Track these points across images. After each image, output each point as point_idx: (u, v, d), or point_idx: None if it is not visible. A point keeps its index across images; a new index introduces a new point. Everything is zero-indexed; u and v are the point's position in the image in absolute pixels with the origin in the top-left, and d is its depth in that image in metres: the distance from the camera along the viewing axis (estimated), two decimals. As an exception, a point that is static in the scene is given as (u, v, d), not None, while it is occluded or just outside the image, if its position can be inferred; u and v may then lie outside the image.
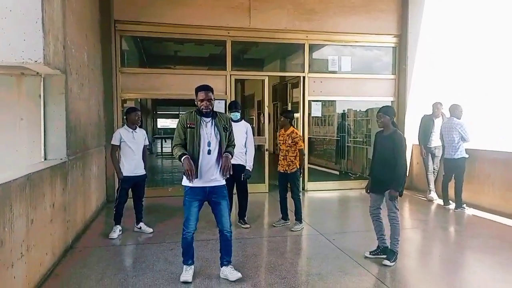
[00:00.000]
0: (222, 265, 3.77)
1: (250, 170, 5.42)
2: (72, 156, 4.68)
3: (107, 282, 3.66)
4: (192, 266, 3.74)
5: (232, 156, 3.69)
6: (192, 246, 3.71)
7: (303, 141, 5.79)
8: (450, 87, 8.27)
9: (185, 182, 3.63)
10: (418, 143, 7.53)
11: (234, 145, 3.83)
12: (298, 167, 5.45)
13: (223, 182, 3.73)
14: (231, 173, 3.66)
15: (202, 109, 3.60)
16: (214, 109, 3.75)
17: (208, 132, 3.62)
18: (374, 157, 4.38)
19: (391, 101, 8.57)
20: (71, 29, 4.70)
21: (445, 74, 8.43)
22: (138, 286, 3.57)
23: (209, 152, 3.59)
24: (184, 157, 3.47)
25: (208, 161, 3.59)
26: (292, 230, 5.40)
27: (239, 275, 3.69)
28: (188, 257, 3.71)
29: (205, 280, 3.73)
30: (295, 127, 5.78)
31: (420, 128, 7.44)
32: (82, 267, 4.02)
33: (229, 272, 3.70)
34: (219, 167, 3.62)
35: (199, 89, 3.65)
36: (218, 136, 3.63)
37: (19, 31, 3.45)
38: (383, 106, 4.31)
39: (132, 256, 4.58)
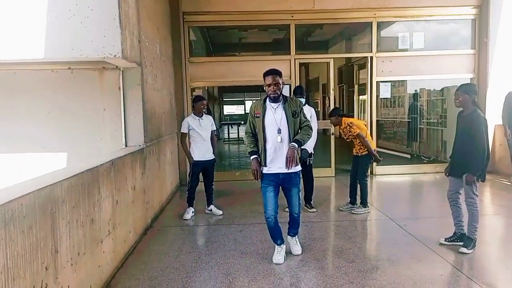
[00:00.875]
0: (288, 234, 3.98)
1: (308, 151, 5.34)
2: (149, 143, 5.05)
3: (183, 259, 3.94)
4: (283, 246, 3.85)
5: (301, 144, 3.60)
6: (278, 227, 3.82)
7: (368, 125, 5.66)
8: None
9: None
10: (501, 123, 6.88)
11: (308, 125, 3.70)
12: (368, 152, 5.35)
13: (297, 169, 3.70)
14: (297, 164, 3.64)
15: (269, 93, 3.60)
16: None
17: (278, 118, 3.60)
18: (456, 139, 4.10)
19: (470, 78, 7.90)
20: (144, 24, 5.01)
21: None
22: (211, 264, 3.79)
23: (281, 140, 3.59)
24: (253, 157, 3.63)
25: (280, 148, 3.61)
26: (352, 213, 5.35)
27: (299, 251, 3.92)
28: (275, 237, 3.85)
29: (271, 261, 3.84)
30: (361, 112, 5.63)
31: (504, 106, 6.79)
32: (161, 245, 4.37)
33: (293, 244, 3.95)
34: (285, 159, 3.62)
35: (266, 73, 3.64)
36: (286, 124, 3.60)
37: (99, 28, 3.77)
38: (462, 84, 4.00)
39: (205, 236, 4.86)
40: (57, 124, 4.80)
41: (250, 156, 3.67)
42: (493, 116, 7.30)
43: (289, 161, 3.54)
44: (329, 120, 5.63)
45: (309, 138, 3.70)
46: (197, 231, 5.08)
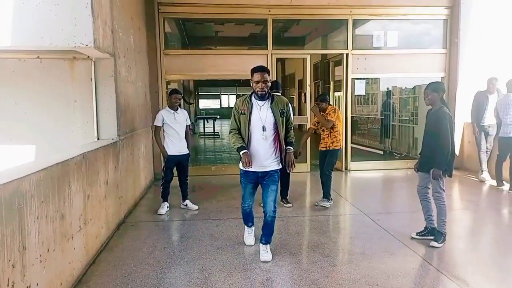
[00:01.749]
0: (260, 241, 3.81)
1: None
2: (122, 136, 4.91)
3: (157, 255, 3.87)
4: (253, 228, 4.11)
5: (293, 147, 3.70)
6: (251, 214, 4.01)
7: (342, 119, 5.71)
8: (506, 61, 7.68)
9: (240, 165, 3.63)
10: (470, 121, 7.13)
11: (292, 128, 3.77)
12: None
13: (276, 167, 3.68)
14: (294, 167, 3.65)
15: (257, 91, 3.52)
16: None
17: (263, 116, 3.55)
18: (424, 135, 4.22)
19: (441, 77, 8.14)
20: (118, 13, 4.85)
21: (500, 48, 7.82)
22: (186, 260, 3.74)
23: (265, 138, 3.55)
24: (243, 151, 3.50)
25: (263, 146, 3.58)
26: (320, 205, 5.45)
27: (268, 258, 3.68)
28: (247, 220, 4.06)
29: (250, 258, 3.83)
30: (337, 106, 5.67)
31: (473, 105, 7.03)
32: (134, 240, 4.27)
33: (263, 250, 3.74)
34: (274, 152, 3.62)
35: (254, 70, 3.55)
36: (274, 121, 3.56)
37: (70, 16, 3.62)
38: (430, 83, 4.10)
39: (180, 231, 4.79)
40: (25, 115, 4.58)
41: (239, 151, 3.52)
42: (463, 115, 7.55)
43: (290, 165, 3.60)
44: (317, 105, 5.49)
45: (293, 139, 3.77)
46: (172, 226, 5.00)
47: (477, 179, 7.07)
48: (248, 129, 3.56)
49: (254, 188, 3.80)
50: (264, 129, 3.54)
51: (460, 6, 7.80)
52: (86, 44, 3.67)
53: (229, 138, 3.69)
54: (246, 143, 3.57)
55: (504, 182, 6.40)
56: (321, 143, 5.51)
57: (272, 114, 3.56)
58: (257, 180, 3.71)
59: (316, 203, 5.63)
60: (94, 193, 3.75)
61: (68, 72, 4.63)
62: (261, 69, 3.53)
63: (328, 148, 5.45)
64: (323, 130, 5.49)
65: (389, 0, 7.82)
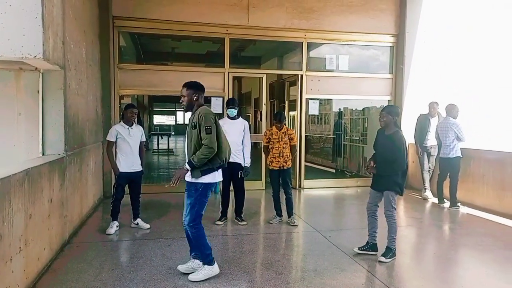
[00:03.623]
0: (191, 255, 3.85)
1: (248, 167, 5.46)
2: (70, 151, 4.69)
3: (104, 277, 3.68)
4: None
5: (193, 165, 3.51)
6: (189, 236, 3.78)
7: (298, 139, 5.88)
8: (446, 87, 8.32)
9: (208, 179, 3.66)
10: (414, 142, 7.59)
11: (206, 145, 3.49)
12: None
13: (192, 180, 3.62)
14: (175, 185, 3.56)
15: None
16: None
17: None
18: (377, 155, 4.40)
19: (388, 100, 8.64)
20: (70, 25, 4.70)
21: (442, 74, 8.48)
22: (136, 281, 3.59)
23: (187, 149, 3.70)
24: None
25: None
26: (294, 224, 5.51)
27: (198, 278, 3.60)
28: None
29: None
30: (291, 127, 5.83)
31: (416, 127, 7.50)
32: (80, 262, 4.04)
33: (194, 266, 3.75)
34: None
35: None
36: (189, 135, 3.63)
37: (18, 26, 3.44)
38: (387, 106, 4.36)
39: (130, 251, 4.60)
40: (-38, 128, 4.25)
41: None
42: (407, 136, 7.98)
43: (173, 178, 3.56)
44: (276, 123, 5.54)
45: (205, 158, 3.49)
46: (122, 246, 4.79)
47: (421, 197, 7.49)
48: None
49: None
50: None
51: (405, 34, 8.40)
52: (35, 55, 3.49)
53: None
54: None
55: (445, 200, 6.83)
56: (273, 162, 5.57)
57: (189, 126, 3.68)
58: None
59: (270, 221, 5.66)
60: (37, 211, 3.52)
61: (13, 84, 4.36)
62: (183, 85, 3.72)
63: (282, 167, 5.54)
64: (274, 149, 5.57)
65: (341, 27, 8.23)
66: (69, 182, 4.69)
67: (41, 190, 3.67)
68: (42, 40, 3.48)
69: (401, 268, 4.19)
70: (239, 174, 5.39)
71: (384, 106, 4.35)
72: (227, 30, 7.76)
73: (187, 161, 3.59)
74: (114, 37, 7.24)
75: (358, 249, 4.39)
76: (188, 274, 3.67)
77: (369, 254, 4.31)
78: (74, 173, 4.96)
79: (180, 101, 3.70)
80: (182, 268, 3.77)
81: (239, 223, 5.56)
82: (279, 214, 5.72)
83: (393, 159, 4.10)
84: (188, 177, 3.63)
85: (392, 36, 8.60)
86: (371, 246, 4.36)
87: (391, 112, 4.24)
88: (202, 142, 3.50)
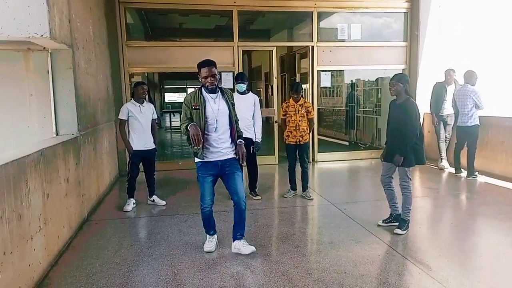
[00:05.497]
0: (235, 239, 3.69)
1: (259, 142, 5.41)
2: (83, 131, 4.71)
3: (124, 253, 3.75)
4: (215, 236, 3.80)
5: (242, 138, 3.66)
6: (212, 218, 3.73)
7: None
8: (464, 53, 8.03)
9: (197, 159, 3.59)
10: (429, 112, 7.41)
11: (237, 120, 3.73)
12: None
13: (234, 156, 3.64)
14: (244, 158, 3.56)
15: (207, 86, 3.48)
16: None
17: (215, 109, 3.50)
18: (389, 126, 4.32)
19: (403, 69, 8.39)
20: (75, 2, 4.61)
21: (459, 40, 8.16)
22: (154, 257, 3.65)
23: (216, 129, 3.51)
24: (191, 123, 3.37)
25: (218, 137, 3.53)
26: (310, 198, 5.49)
27: (253, 248, 3.63)
28: (209, 227, 3.76)
29: (220, 251, 3.79)
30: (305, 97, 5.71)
31: (432, 96, 7.30)
32: (99, 239, 4.12)
33: (243, 246, 3.65)
34: (230, 141, 3.58)
35: (201, 65, 3.49)
36: (227, 112, 3.55)
37: (23, 5, 3.39)
38: (395, 74, 4.20)
39: (147, 228, 4.67)
40: (-25, 111, 4.29)
41: (188, 127, 3.36)
42: (422, 105, 7.82)
43: (241, 157, 3.51)
44: (293, 94, 5.45)
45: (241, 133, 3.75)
46: (139, 223, 4.87)
47: (437, 167, 7.37)
48: (205, 123, 3.49)
49: (213, 183, 3.62)
50: (217, 121, 3.51)
51: (420, -1, 8.05)
52: (41, 34, 3.45)
53: (182, 131, 3.51)
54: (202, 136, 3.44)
55: (462, 169, 6.72)
56: (289, 136, 5.51)
57: (226, 106, 3.55)
58: (217, 171, 3.59)
59: (284, 195, 5.67)
60: (54, 191, 3.57)
61: (23, 64, 4.35)
62: (208, 63, 3.48)
63: (298, 142, 5.48)
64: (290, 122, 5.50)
65: (352, -7, 7.93)
66: (84, 161, 4.73)
67: (57, 170, 3.71)
68: (47, 19, 3.44)
69: (418, 238, 4.16)
70: (251, 149, 5.35)
71: (393, 75, 4.19)
72: (235, 2, 7.55)
73: (238, 140, 3.59)
74: (121, 13, 7.12)
75: (383, 222, 4.36)
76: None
77: (393, 225, 4.26)
78: (88, 153, 5.00)
79: (212, 81, 3.45)
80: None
81: (254, 198, 5.57)
82: (294, 188, 5.71)
83: (405, 127, 4.00)
84: (234, 154, 3.60)
85: (406, 1, 8.27)
86: (394, 217, 4.32)
87: (401, 79, 4.10)
88: (236, 119, 3.66)
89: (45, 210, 3.32)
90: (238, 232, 3.68)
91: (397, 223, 4.23)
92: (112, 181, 6.54)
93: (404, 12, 8.39)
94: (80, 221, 4.47)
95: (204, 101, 3.50)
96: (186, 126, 3.39)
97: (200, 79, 3.54)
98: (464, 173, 6.66)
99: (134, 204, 5.22)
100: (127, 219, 4.87)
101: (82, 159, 4.60)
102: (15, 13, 3.39)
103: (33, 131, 4.29)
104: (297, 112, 5.40)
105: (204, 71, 3.47)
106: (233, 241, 3.71)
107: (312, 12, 7.97)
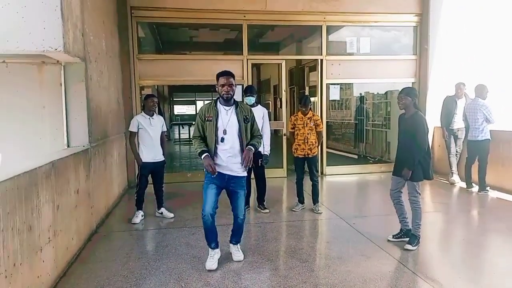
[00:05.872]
0: (230, 242, 3.93)
1: (268, 155, 5.40)
2: (94, 143, 4.76)
3: (132, 266, 3.75)
4: (217, 250, 3.76)
5: (256, 149, 3.68)
6: (214, 230, 3.70)
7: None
8: (474, 66, 7.98)
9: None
10: (440, 125, 7.35)
11: (261, 136, 3.83)
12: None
13: (244, 174, 3.71)
14: (250, 165, 3.67)
15: (223, 94, 3.57)
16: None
17: (225, 120, 3.58)
18: (398, 140, 4.30)
19: (412, 83, 8.36)
20: (89, 16, 4.72)
21: (469, 53, 8.13)
22: (162, 270, 3.64)
23: (222, 140, 3.56)
24: (204, 155, 3.52)
25: (226, 150, 3.57)
26: (319, 212, 5.45)
27: (241, 257, 3.84)
28: (210, 239, 3.72)
29: (227, 265, 3.77)
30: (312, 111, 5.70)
31: (442, 109, 7.25)
32: (107, 251, 4.13)
33: (235, 251, 3.88)
34: (242, 158, 3.61)
35: (220, 74, 3.62)
36: (237, 125, 3.59)
37: (38, 19, 3.47)
38: (404, 88, 4.20)
39: (155, 240, 4.67)
40: (-10, 122, 4.37)
41: (201, 155, 3.55)
42: (433, 119, 7.78)
43: (245, 160, 3.57)
44: (301, 107, 5.46)
45: (259, 146, 3.80)
46: (147, 235, 4.87)
47: (448, 182, 7.28)
48: (216, 135, 3.56)
49: (217, 192, 3.66)
50: (225, 132, 3.57)
51: (429, 13, 8.07)
52: (56, 48, 3.53)
53: (193, 145, 3.70)
54: (213, 149, 3.57)
55: (473, 184, 6.62)
56: (298, 149, 5.50)
57: (236, 119, 3.60)
58: (223, 183, 3.65)
59: (293, 209, 5.63)
60: (64, 202, 3.60)
61: (37, 77, 4.44)
62: (226, 73, 3.61)
63: (307, 155, 5.47)
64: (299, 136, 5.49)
65: (361, 7, 7.98)
66: (95, 173, 4.77)
67: (68, 181, 3.75)
68: (62, 33, 3.51)
69: (429, 254, 4.09)
70: (259, 162, 5.35)
71: (401, 88, 4.19)
72: (244, 16, 7.64)
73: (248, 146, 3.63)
74: (133, 27, 7.26)
75: (393, 237, 4.30)
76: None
77: (403, 241, 4.19)
78: (99, 164, 5.05)
79: (228, 90, 3.54)
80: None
81: (262, 211, 5.55)
82: (302, 201, 5.68)
83: (413, 141, 3.98)
84: (242, 172, 3.69)
85: (416, 16, 8.29)
86: (405, 232, 4.26)
87: (410, 93, 4.10)
88: (257, 134, 3.77)
89: (55, 222, 3.34)
90: (233, 239, 3.92)
91: (407, 239, 4.17)
92: (121, 193, 6.57)
93: (414, 26, 8.40)
94: (89, 233, 4.49)
95: (217, 113, 3.59)
96: (200, 153, 3.56)
97: (217, 88, 3.65)
98: (475, 188, 6.56)
99: (142, 216, 5.23)
100: (135, 231, 4.88)
101: (92, 171, 4.64)
102: (30, 28, 3.47)
103: (45, 143, 4.35)
104: (305, 125, 5.41)
105: (222, 80, 3.58)
106: (230, 243, 3.95)
107: (321, 26, 8.03)
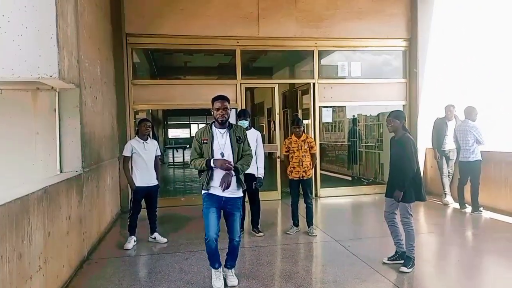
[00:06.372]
0: (225, 266, 3.87)
1: (262, 177, 5.42)
2: (87, 168, 4.75)
3: (123, 293, 3.68)
4: (221, 269, 3.81)
5: (239, 172, 3.67)
6: (217, 252, 3.71)
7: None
8: (463, 89, 8.17)
9: (203, 191, 3.70)
10: (432, 147, 7.44)
11: (249, 155, 3.81)
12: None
13: (240, 194, 3.78)
14: (227, 188, 3.62)
15: (218, 117, 3.66)
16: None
17: (222, 143, 3.66)
18: (390, 162, 4.36)
19: (403, 105, 8.51)
20: (84, 43, 4.80)
21: (458, 76, 8.33)
22: (154, 297, 3.58)
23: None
24: (212, 159, 3.58)
25: (223, 172, 3.62)
26: (313, 235, 5.43)
27: (235, 282, 3.80)
28: (213, 261, 3.76)
29: (220, 289, 3.72)
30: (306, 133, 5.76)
31: (433, 131, 7.36)
32: (99, 279, 4.05)
33: (230, 275, 3.84)
34: (236, 180, 3.68)
35: (215, 99, 3.72)
36: (230, 147, 3.66)
37: (34, 47, 3.53)
38: (392, 111, 4.29)
39: (148, 266, 4.59)
40: (-18, 148, 4.36)
41: (209, 162, 3.58)
42: (424, 140, 7.87)
43: (221, 185, 3.59)
44: (295, 128, 5.52)
45: (247, 167, 3.78)
46: (140, 261, 4.79)
47: (441, 203, 7.30)
48: (212, 156, 3.63)
49: (218, 215, 3.69)
50: (222, 155, 3.63)
51: (418, 38, 8.30)
52: (51, 75, 3.57)
53: (192, 166, 3.74)
54: (209, 172, 3.64)
55: (466, 204, 6.65)
56: (293, 172, 5.53)
57: (229, 141, 3.68)
58: (221, 204, 3.69)
59: (287, 232, 5.60)
60: (55, 229, 3.56)
61: (31, 104, 4.47)
62: (221, 98, 3.71)
63: (302, 178, 5.49)
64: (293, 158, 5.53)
65: (351, 33, 8.19)
66: (87, 198, 4.74)
67: (60, 207, 3.72)
68: (57, 60, 3.56)
69: (424, 277, 4.06)
70: (253, 185, 5.35)
71: (390, 111, 4.28)
72: (238, 42, 7.81)
73: (235, 174, 3.65)
74: (128, 54, 7.37)
75: (388, 260, 4.28)
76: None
77: (398, 263, 4.17)
78: (91, 190, 5.02)
79: (222, 113, 3.63)
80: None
81: (256, 234, 5.51)
82: (296, 224, 5.66)
83: (403, 164, 4.04)
84: (238, 192, 3.73)
85: (405, 40, 8.52)
86: (400, 254, 4.24)
87: (398, 116, 4.19)
88: (246, 153, 3.77)
89: (46, 249, 3.29)
90: (228, 263, 3.87)
91: (402, 261, 4.15)
92: (114, 218, 6.51)
93: (403, 51, 8.62)
94: (80, 260, 4.41)
95: (212, 136, 3.67)
96: (207, 161, 3.59)
97: (212, 112, 3.72)
98: (468, 209, 6.59)
99: (135, 241, 5.16)
100: (128, 258, 4.80)
101: (84, 196, 4.61)
102: (26, 55, 3.52)
103: (37, 168, 4.33)
104: (300, 148, 5.45)
105: (216, 104, 3.67)
106: (224, 267, 3.87)
107: (313, 51, 8.21)
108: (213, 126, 3.74)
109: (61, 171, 4.47)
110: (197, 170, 3.73)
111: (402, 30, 8.44)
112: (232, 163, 3.59)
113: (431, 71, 8.32)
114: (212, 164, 3.58)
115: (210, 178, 3.64)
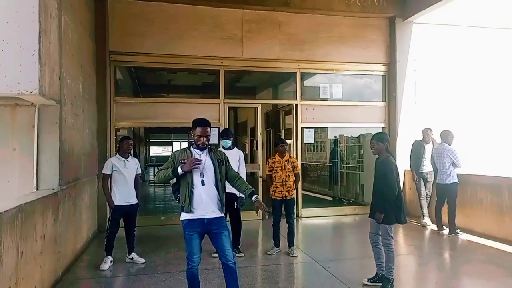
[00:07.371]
0: None
1: (244, 197, 5.40)
2: (64, 186, 4.65)
3: (97, 316, 3.56)
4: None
5: (254, 193, 3.65)
6: (198, 279, 3.55)
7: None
8: (440, 113, 8.45)
9: (183, 216, 3.50)
10: (410, 169, 7.60)
11: (239, 175, 3.79)
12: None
13: (222, 214, 3.60)
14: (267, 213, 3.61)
15: (198, 144, 3.53)
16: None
17: (202, 162, 3.54)
18: (373, 184, 4.42)
19: (382, 127, 8.70)
20: (67, 60, 4.78)
21: (435, 101, 8.64)
22: (129, 320, 3.48)
23: (202, 182, 3.49)
24: (180, 165, 3.44)
25: (204, 192, 3.50)
26: (294, 255, 5.40)
27: None
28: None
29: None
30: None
31: (411, 153, 7.53)
32: (72, 301, 3.92)
33: None
34: (217, 198, 3.54)
35: (197, 124, 3.55)
36: (212, 168, 3.55)
37: (15, 63, 3.50)
38: (376, 133, 4.38)
39: (124, 288, 4.48)
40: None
41: (175, 171, 3.43)
42: (403, 162, 8.04)
43: (263, 211, 3.60)
44: (282, 147, 5.53)
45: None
46: (116, 282, 4.66)
47: (419, 224, 7.41)
48: (191, 178, 3.48)
49: (200, 240, 3.53)
50: (202, 175, 3.50)
51: (396, 63, 8.58)
52: (31, 91, 3.53)
53: (156, 178, 3.59)
54: (186, 193, 3.47)
55: (444, 226, 6.77)
56: (276, 192, 5.54)
57: (211, 162, 3.56)
58: (204, 228, 3.50)
59: (268, 252, 5.57)
60: (29, 248, 3.45)
61: (9, 119, 4.39)
62: (204, 124, 3.55)
63: (285, 197, 5.51)
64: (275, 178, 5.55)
65: (333, 57, 8.42)
66: (63, 217, 4.62)
67: (34, 226, 3.61)
68: (38, 76, 3.54)
69: (403, 299, 4.08)
70: (235, 204, 5.33)
71: (373, 134, 4.37)
72: (222, 62, 7.90)
73: (253, 196, 3.62)
74: (111, 71, 7.35)
75: (368, 281, 4.29)
76: None
77: (378, 285, 4.18)
78: (68, 208, 4.90)
79: (204, 141, 3.52)
80: None
81: (236, 255, 5.44)
82: (277, 244, 5.63)
83: (384, 185, 4.11)
84: (220, 212, 3.57)
85: (383, 65, 8.79)
86: (380, 277, 4.25)
87: (382, 139, 4.27)
88: (239, 177, 3.75)
89: (18, 270, 3.18)
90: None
91: (381, 283, 4.17)
92: (90, 237, 6.34)
93: (382, 75, 8.88)
94: (54, 281, 4.27)
95: (192, 155, 3.54)
96: (175, 169, 3.43)
97: (192, 135, 3.60)
98: (446, 231, 6.70)
99: (111, 262, 5.03)
100: (103, 279, 4.67)
101: (61, 215, 4.50)
102: (6, 71, 3.49)
103: (13, 186, 4.22)
104: (283, 168, 5.49)
105: (198, 130, 3.51)
106: None
107: (295, 73, 8.38)
108: (191, 148, 3.62)
109: (37, 189, 4.36)
110: (162, 184, 3.59)
111: (381, 56, 8.72)
112: (202, 161, 3.46)
113: (409, 95, 8.58)
114: (180, 170, 3.40)
115: (191, 199, 3.45)
